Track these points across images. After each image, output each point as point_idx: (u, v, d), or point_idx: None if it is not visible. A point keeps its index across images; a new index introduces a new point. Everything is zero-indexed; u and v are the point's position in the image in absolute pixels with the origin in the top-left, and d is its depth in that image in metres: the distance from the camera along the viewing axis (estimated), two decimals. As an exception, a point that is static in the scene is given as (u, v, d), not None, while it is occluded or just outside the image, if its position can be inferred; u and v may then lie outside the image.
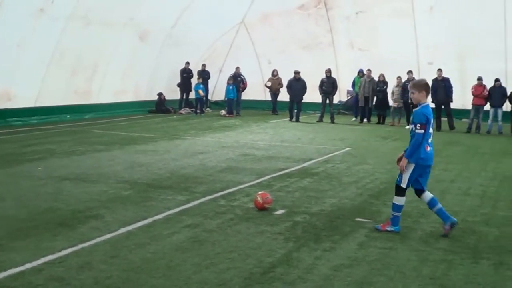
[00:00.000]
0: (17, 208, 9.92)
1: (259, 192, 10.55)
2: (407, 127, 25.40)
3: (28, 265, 7.08)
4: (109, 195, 11.05)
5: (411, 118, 8.96)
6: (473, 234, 9.11)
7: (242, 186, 12.15)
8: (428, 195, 9.10)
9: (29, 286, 6.46)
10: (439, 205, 9.07)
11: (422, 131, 8.61)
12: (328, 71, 28.04)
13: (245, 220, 9.47)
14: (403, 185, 8.96)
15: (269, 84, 31.49)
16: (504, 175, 14.52)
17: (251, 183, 12.49)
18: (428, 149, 8.90)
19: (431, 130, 8.87)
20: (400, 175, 8.96)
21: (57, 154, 15.79)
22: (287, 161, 15.66)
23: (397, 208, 9.03)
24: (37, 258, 7.33)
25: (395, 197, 9.05)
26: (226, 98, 30.62)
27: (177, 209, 10.06)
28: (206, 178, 12.92)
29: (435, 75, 25.57)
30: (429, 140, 8.89)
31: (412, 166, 8.86)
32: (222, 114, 30.11)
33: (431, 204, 9.09)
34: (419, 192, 9.13)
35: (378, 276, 7.06)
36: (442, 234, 8.89)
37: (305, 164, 15.26)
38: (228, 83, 30.40)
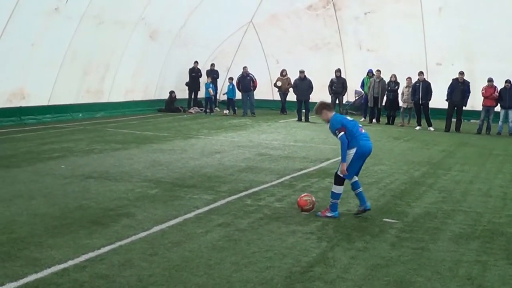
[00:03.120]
0: (48, 206, 10.01)
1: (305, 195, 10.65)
2: (417, 128, 25.74)
3: (71, 262, 7.19)
4: (136, 193, 11.14)
5: (330, 129, 9.97)
6: (502, 236, 9.21)
7: (264, 186, 12.27)
8: None
9: (76, 283, 6.56)
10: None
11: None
12: (338, 71, 28.17)
13: (275, 220, 9.58)
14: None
15: (279, 84, 31.51)
16: (521, 177, 14.64)
17: (273, 183, 12.60)
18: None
19: None
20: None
21: (76, 153, 15.86)
22: (304, 161, 15.76)
23: (336, 196, 10.00)
24: (77, 255, 7.45)
25: (334, 185, 10.04)
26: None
27: (206, 208, 10.17)
28: (228, 178, 13.02)
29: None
30: None
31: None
32: (224, 113, 30.16)
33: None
34: None
35: (416, 276, 7.17)
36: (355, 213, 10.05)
37: (323, 164, 15.36)
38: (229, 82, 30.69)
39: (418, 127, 26.17)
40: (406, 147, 19.78)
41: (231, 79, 31.13)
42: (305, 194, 10.63)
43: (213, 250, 7.89)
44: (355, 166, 9.87)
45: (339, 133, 9.70)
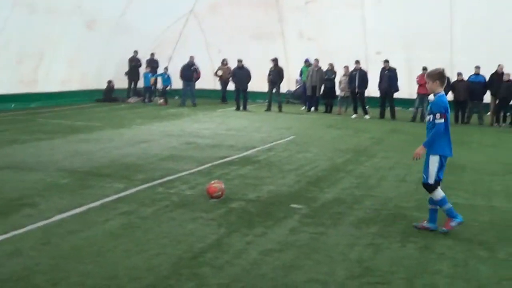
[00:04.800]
0: (-48, 196, 9.86)
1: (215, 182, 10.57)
2: (353, 116, 25.94)
3: (-42, 252, 7.07)
4: (47, 183, 10.99)
5: (429, 108, 8.73)
6: (404, 219, 9.32)
7: (181, 174, 12.18)
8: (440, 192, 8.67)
9: (-44, 272, 6.46)
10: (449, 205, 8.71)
11: (442, 120, 8.39)
12: (274, 60, 28.13)
13: (181, 207, 9.53)
14: (431, 181, 8.57)
15: (220, 73, 31.43)
16: (442, 162, 14.78)
17: (191, 171, 12.54)
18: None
19: None
20: (426, 172, 8.60)
21: (-2, 143, 15.65)
22: (231, 149, 15.74)
23: (441, 202, 8.63)
24: (-34, 245, 7.33)
25: (432, 194, 8.67)
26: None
27: (114, 197, 10.07)
28: (146, 166, 12.93)
29: (382, 65, 26.07)
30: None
31: (437, 159, 8.53)
32: (159, 103, 29.98)
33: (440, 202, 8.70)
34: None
35: (306, 260, 7.21)
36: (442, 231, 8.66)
37: (248, 152, 15.36)
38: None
39: (354, 115, 26.41)
40: (337, 134, 19.93)
41: (166, 68, 30.89)
42: (215, 181, 10.57)
43: (108, 238, 7.82)
44: (439, 166, 8.66)
45: (440, 118, 8.43)
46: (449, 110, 8.55)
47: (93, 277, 6.48)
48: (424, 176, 8.65)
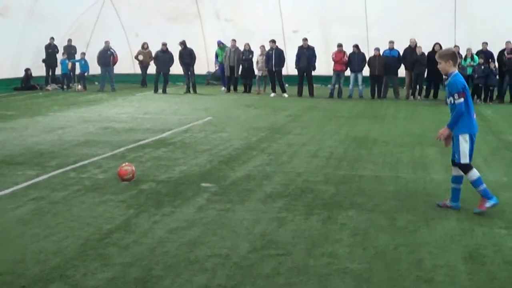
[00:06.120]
0: None
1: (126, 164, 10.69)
2: (271, 95, 26.27)
3: None
4: (-44, 173, 10.96)
5: (446, 90, 8.75)
6: (311, 193, 9.64)
7: (95, 159, 12.25)
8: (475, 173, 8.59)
9: None
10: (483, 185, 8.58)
11: (462, 99, 8.32)
12: (183, 43, 28.14)
13: (92, 191, 9.65)
14: (465, 160, 8.49)
15: (141, 58, 31.25)
16: (354, 137, 15.24)
17: (104, 155, 12.62)
18: (474, 116, 8.59)
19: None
20: (458, 152, 8.52)
21: None
22: (146, 132, 15.84)
23: (476, 182, 8.53)
24: None
25: (467, 174, 8.55)
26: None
27: (26, 184, 10.10)
28: (60, 153, 12.94)
29: (299, 43, 26.44)
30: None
31: (467, 137, 8.46)
32: (77, 89, 29.73)
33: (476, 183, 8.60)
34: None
35: (211, 236, 7.44)
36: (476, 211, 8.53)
37: (164, 135, 15.48)
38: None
39: (272, 94, 26.75)
40: (254, 113, 20.20)
41: (83, 54, 30.62)
42: (125, 164, 10.70)
43: (17, 224, 7.91)
44: (470, 144, 8.55)
45: (459, 98, 8.35)
46: (467, 87, 8.53)
47: (-1, 263, 6.59)
48: (456, 156, 8.57)
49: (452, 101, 8.47)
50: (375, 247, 7.19)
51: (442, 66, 8.62)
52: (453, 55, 8.63)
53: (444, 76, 9.20)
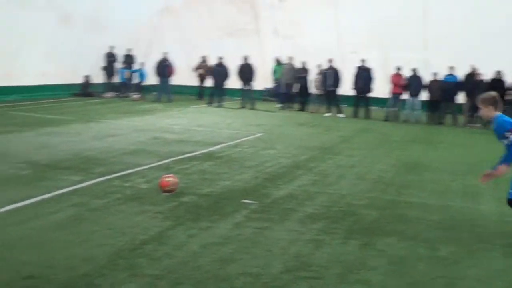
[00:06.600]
0: None
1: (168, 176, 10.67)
2: (326, 114, 26.09)
3: None
4: (7, 175, 11.04)
5: (495, 134, 8.53)
6: (352, 216, 9.45)
7: (140, 168, 12.25)
8: None
9: None
10: None
11: None
12: (245, 58, 28.23)
13: (132, 200, 9.63)
14: None
15: (201, 71, 31.52)
16: (405, 162, 14.97)
17: (150, 166, 12.61)
18: None
19: None
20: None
21: (-34, 135, 15.68)
22: (196, 145, 15.83)
23: None
24: None
25: None
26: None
27: (68, 189, 10.14)
28: (108, 160, 13.00)
29: (358, 64, 26.34)
30: None
31: None
32: (134, 98, 29.96)
33: None
34: None
35: (244, 254, 7.33)
36: None
37: (213, 148, 15.44)
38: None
39: (327, 114, 26.53)
40: (306, 132, 20.06)
41: (141, 64, 30.93)
42: (168, 175, 10.67)
43: (53, 229, 7.93)
44: None
45: (511, 135, 8.24)
46: None
47: (30, 266, 6.58)
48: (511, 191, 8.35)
49: (506, 143, 8.24)
50: (412, 276, 6.98)
51: (483, 112, 8.57)
52: (493, 100, 8.47)
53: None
